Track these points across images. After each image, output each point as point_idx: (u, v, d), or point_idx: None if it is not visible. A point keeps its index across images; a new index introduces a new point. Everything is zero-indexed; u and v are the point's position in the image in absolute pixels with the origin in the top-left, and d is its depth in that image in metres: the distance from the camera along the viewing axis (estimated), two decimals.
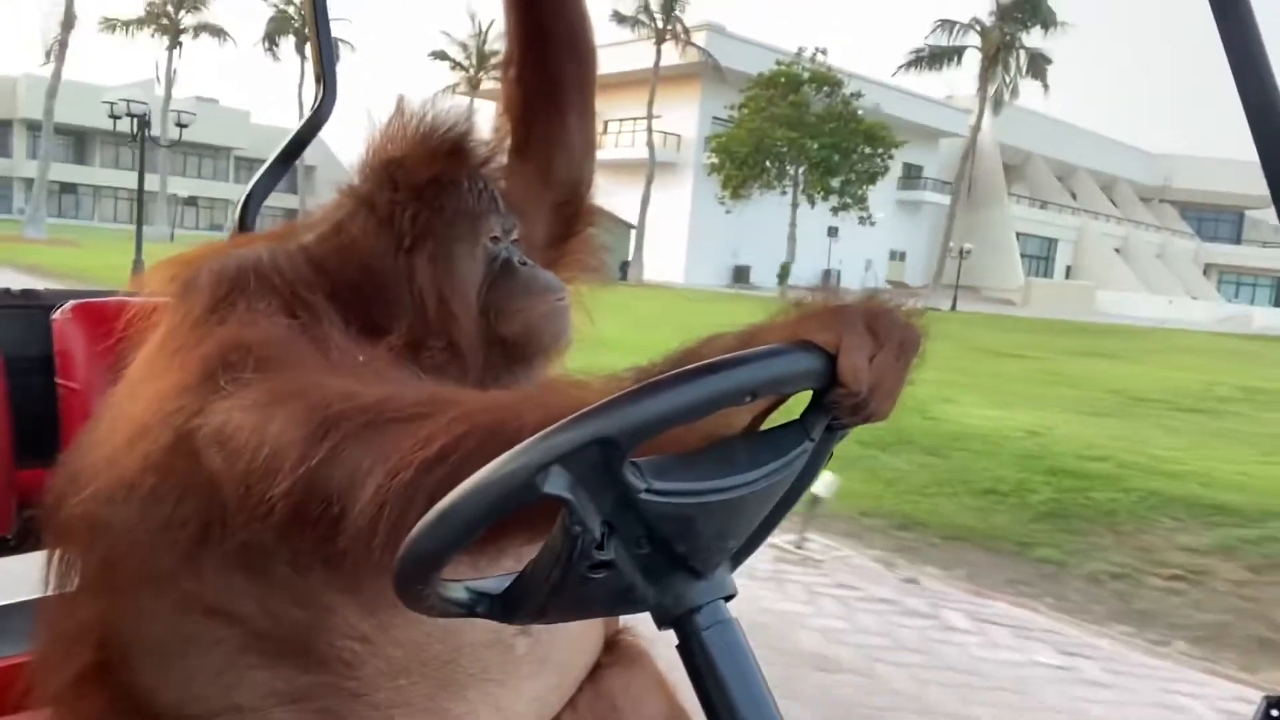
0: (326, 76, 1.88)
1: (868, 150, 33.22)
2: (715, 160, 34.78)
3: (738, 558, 0.70)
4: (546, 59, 1.27)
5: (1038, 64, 38.26)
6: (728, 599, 0.68)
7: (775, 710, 0.66)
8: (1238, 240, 64.31)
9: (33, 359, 1.51)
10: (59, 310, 1.48)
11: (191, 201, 54.06)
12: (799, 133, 32.24)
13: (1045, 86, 39.57)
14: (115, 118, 21.56)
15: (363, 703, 0.94)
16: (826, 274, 46.73)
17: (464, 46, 41.64)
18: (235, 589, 0.92)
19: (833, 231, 43.74)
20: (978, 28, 37.53)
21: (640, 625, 1.09)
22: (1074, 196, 58.47)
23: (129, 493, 0.92)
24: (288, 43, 40.03)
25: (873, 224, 36.44)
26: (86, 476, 0.97)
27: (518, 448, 0.60)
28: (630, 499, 0.61)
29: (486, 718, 0.99)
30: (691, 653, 0.66)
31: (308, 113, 1.89)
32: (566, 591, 0.63)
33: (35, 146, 50.07)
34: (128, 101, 21.30)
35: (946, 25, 37.75)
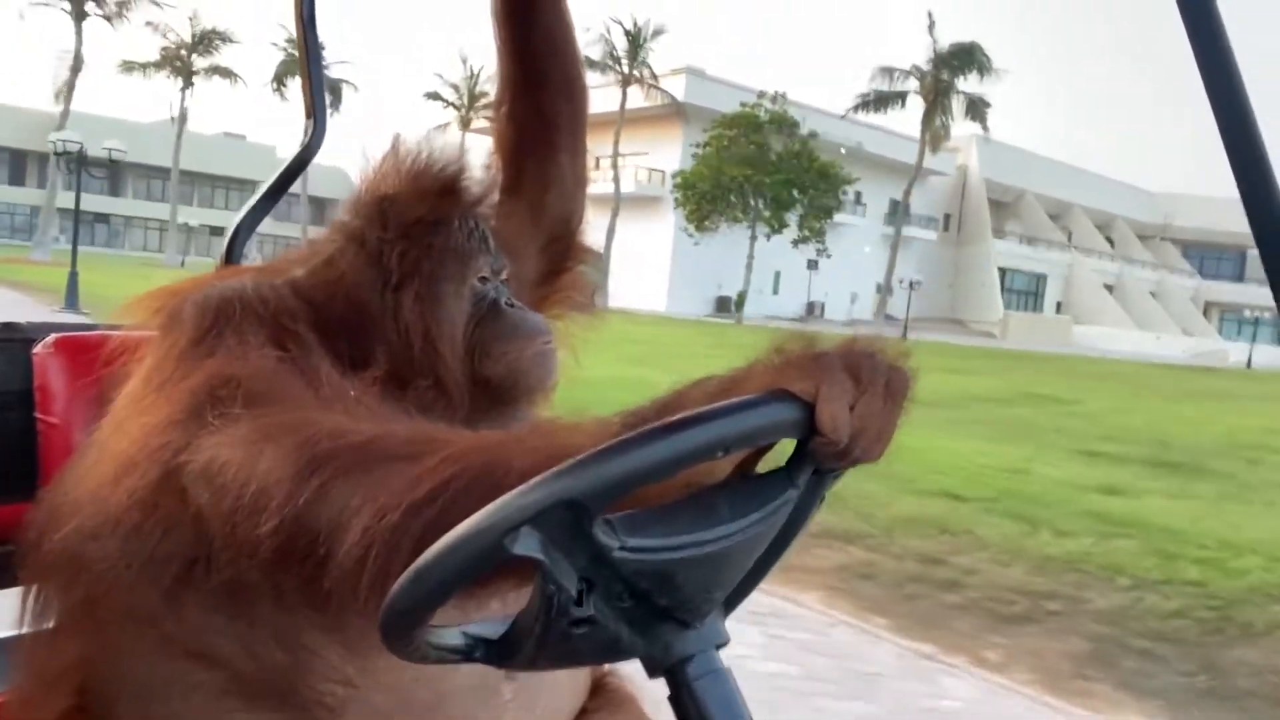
0: (316, 111, 1.89)
1: (822, 187, 35.07)
2: (679, 195, 36.87)
3: (729, 605, 0.69)
4: (539, 98, 1.28)
5: (976, 107, 39.92)
6: (719, 647, 0.66)
7: None
8: (1240, 279, 64.72)
9: (12, 393, 1.49)
10: (40, 344, 1.46)
11: (218, 231, 57.43)
12: (755, 170, 34.27)
13: (985, 128, 41.16)
14: (58, 154, 24.73)
15: None
16: (810, 306, 48.64)
17: (455, 88, 44.42)
18: (217, 629, 0.91)
19: (812, 264, 45.53)
20: (916, 74, 39.38)
21: (627, 667, 1.07)
22: (1069, 234, 59.65)
23: (112, 529, 0.91)
24: (295, 83, 43.09)
25: (828, 257, 38.20)
26: (68, 512, 0.95)
27: (488, 509, 0.59)
28: (604, 557, 0.60)
29: None
30: (683, 704, 0.65)
31: (298, 147, 1.91)
32: (551, 644, 0.62)
33: (71, 179, 53.87)
34: (64, 140, 24.61)
35: (887, 71, 39.66)
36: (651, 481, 0.59)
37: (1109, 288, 57.91)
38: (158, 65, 42.40)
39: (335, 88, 43.48)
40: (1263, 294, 60.77)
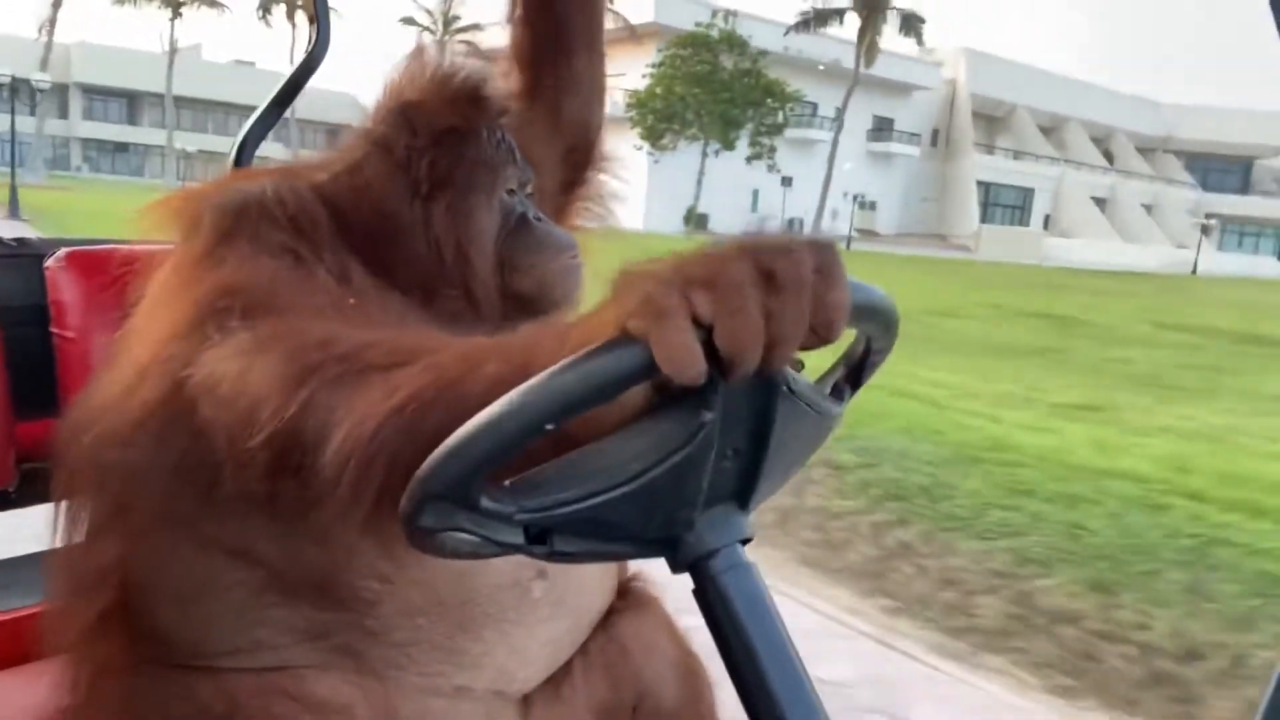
0: (320, 19, 1.83)
1: (770, 104, 36.46)
2: (634, 115, 38.51)
3: (748, 503, 0.66)
4: (553, 1, 1.25)
5: (911, 22, 40.61)
6: (744, 542, 0.65)
7: (796, 656, 0.64)
8: (1244, 191, 64.33)
9: (26, 309, 1.46)
10: (52, 258, 1.44)
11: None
12: (703, 89, 35.75)
13: (920, 42, 41.83)
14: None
15: (381, 641, 0.95)
16: (789, 222, 49.97)
17: (429, 13, 46.08)
18: (255, 529, 0.92)
19: (786, 181, 46.92)
20: None
21: (652, 571, 1.11)
22: (1063, 147, 59.78)
23: (136, 436, 0.92)
24: (280, 11, 45.23)
25: (778, 172, 39.62)
26: (94, 419, 0.96)
27: (408, 487, 0.60)
28: (773, 389, 0.59)
29: (502, 658, 1.01)
30: (708, 598, 0.64)
31: (301, 56, 1.89)
32: (610, 520, 0.61)
33: (90, 109, 56.82)
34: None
35: None
36: (500, 463, 0.58)
37: (1101, 201, 58.22)
38: None
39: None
40: (1265, 205, 60.83)
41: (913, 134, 54.71)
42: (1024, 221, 57.15)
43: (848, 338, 0.68)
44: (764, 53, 37.40)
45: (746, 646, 0.63)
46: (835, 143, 41.51)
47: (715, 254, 0.57)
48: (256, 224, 0.95)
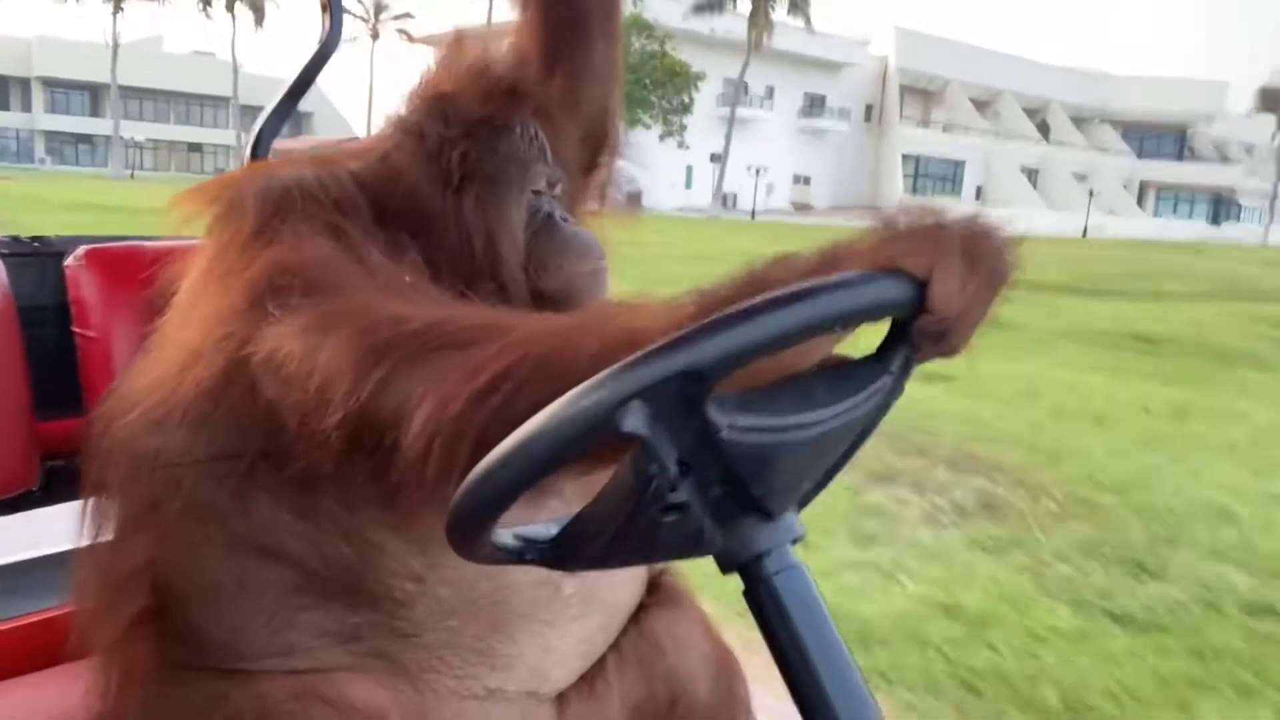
0: (332, 8, 1.81)
1: (674, 85, 38.66)
2: None
3: (806, 499, 0.68)
4: None
5: (798, 3, 42.89)
6: (795, 542, 0.65)
7: (849, 656, 0.64)
8: (1179, 158, 66.33)
9: (47, 308, 1.45)
10: (71, 257, 1.43)
11: (196, 148, 62.20)
12: None
13: (808, 23, 44.06)
14: None
15: (413, 643, 0.95)
16: (724, 199, 52.23)
17: (360, 2, 48.17)
18: (285, 527, 0.92)
19: (715, 158, 49.00)
20: None
21: (682, 564, 1.09)
22: (998, 119, 61.76)
23: (179, 420, 0.92)
24: (219, 2, 47.45)
25: (687, 148, 41.81)
26: (130, 408, 0.96)
27: (593, 381, 0.56)
28: (711, 437, 0.57)
29: (534, 659, 1.00)
30: (759, 599, 0.63)
31: (315, 45, 1.85)
32: (632, 536, 0.61)
33: (53, 102, 58.81)
34: None
35: None
36: (772, 353, 0.56)
37: (1034, 171, 60.27)
38: None
39: (257, 3, 47.49)
40: (1199, 171, 62.82)
41: (843, 110, 56.67)
42: (955, 193, 59.18)
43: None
44: (668, 36, 39.51)
45: (798, 646, 0.63)
46: (731, 117, 43.78)
47: (951, 219, 0.63)
48: (303, 207, 0.95)
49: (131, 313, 1.08)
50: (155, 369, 0.96)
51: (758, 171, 43.15)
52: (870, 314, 0.59)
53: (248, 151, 1.84)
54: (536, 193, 1.07)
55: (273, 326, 0.84)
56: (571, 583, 1.02)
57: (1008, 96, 61.86)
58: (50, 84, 57.95)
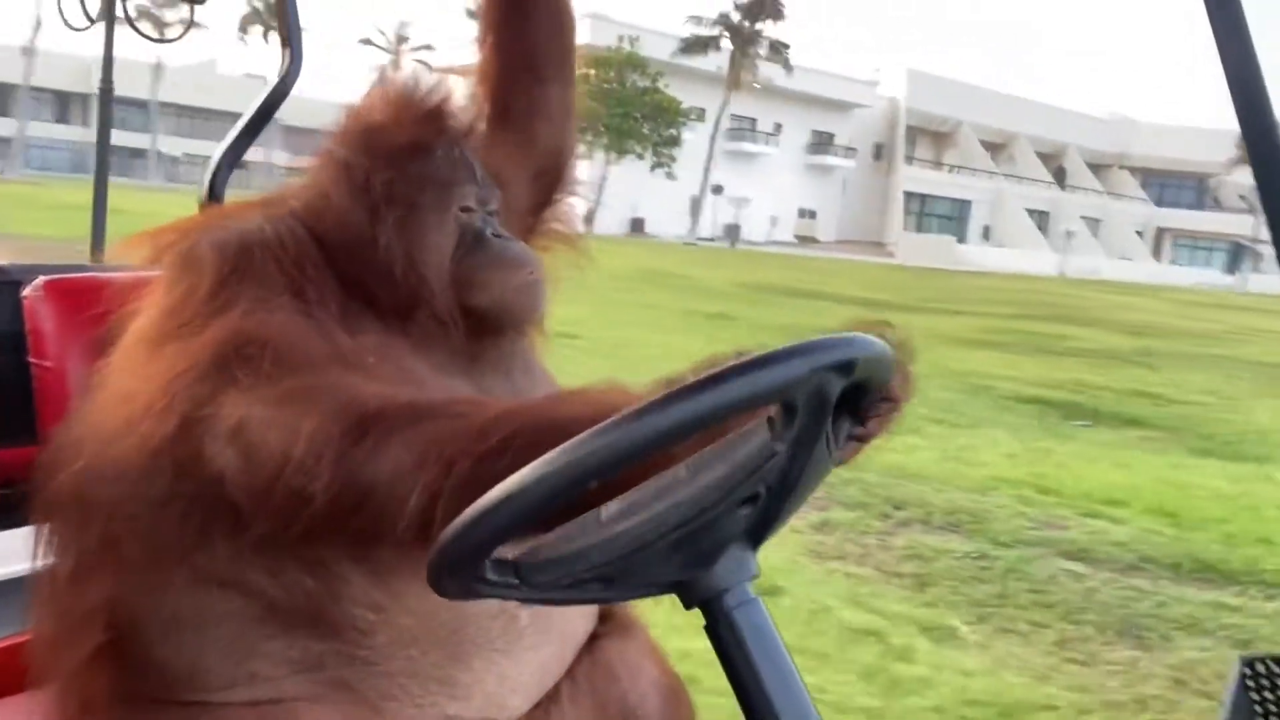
0: (292, 41, 1.83)
1: (661, 120, 40.97)
2: None
3: (760, 538, 0.70)
4: (525, 28, 1.26)
5: (777, 49, 44.90)
6: (751, 580, 0.69)
7: (803, 689, 0.67)
8: (1198, 207, 66.52)
9: (4, 336, 1.44)
10: (29, 287, 1.41)
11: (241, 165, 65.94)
12: (602, 104, 40.28)
13: (786, 67, 45.98)
14: None
15: (374, 671, 0.96)
16: (728, 229, 54.13)
17: (383, 33, 51.49)
18: (246, 561, 0.92)
19: (716, 190, 50.99)
20: (722, 21, 44.76)
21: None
22: (1012, 162, 62.83)
23: (126, 471, 0.91)
24: (257, 31, 51.15)
25: (674, 178, 43.94)
26: (77, 452, 0.96)
27: (574, 442, 0.60)
28: (816, 437, 0.64)
29: (491, 686, 1.01)
30: (719, 634, 0.67)
31: (275, 79, 1.84)
32: (632, 564, 0.65)
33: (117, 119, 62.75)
34: None
35: (696, 19, 45.15)
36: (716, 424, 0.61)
37: (1043, 214, 61.15)
38: (137, 20, 50.80)
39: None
40: (1215, 220, 63.01)
41: (849, 148, 58.29)
42: (961, 232, 60.31)
43: None
44: (659, 73, 41.83)
45: (756, 677, 0.66)
46: (712, 147, 45.86)
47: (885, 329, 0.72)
48: (262, 266, 0.96)
49: (88, 344, 1.09)
50: (104, 415, 0.95)
51: (740, 202, 44.99)
52: (857, 372, 0.63)
53: (206, 183, 1.80)
54: (466, 210, 1.08)
55: (239, 395, 0.84)
56: (528, 614, 1.04)
57: (1022, 140, 62.90)
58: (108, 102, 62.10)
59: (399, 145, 1.07)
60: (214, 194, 1.81)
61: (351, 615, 0.96)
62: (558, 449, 0.60)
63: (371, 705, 0.98)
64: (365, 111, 1.11)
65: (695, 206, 46.58)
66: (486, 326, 1.09)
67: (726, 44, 45.43)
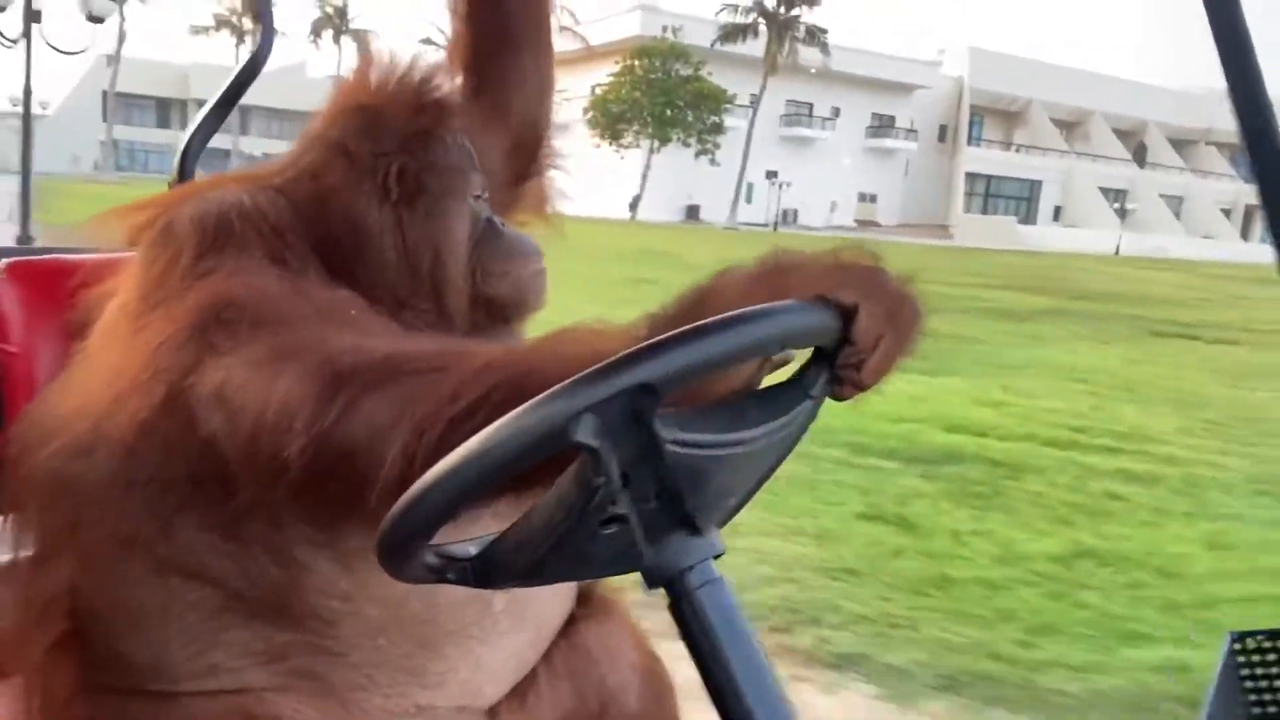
0: (264, 19, 1.80)
1: (703, 107, 41.90)
2: (593, 115, 44.56)
3: (727, 516, 0.70)
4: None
5: (814, 34, 44.97)
6: (717, 557, 0.67)
7: (769, 667, 0.67)
8: None
9: None
10: None
11: None
12: (645, 94, 41.44)
13: (825, 52, 45.94)
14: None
15: (340, 662, 0.94)
16: (784, 214, 54.62)
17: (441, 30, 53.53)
18: (210, 548, 0.91)
19: (770, 175, 51.60)
20: (757, 9, 45.13)
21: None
22: (1088, 140, 61.30)
23: (106, 448, 0.90)
24: (329, 35, 54.11)
25: (717, 164, 44.73)
26: (53, 431, 0.94)
27: (550, 392, 0.58)
28: (655, 450, 0.61)
29: (466, 674, 1.00)
30: (684, 613, 0.66)
31: (247, 55, 1.80)
32: (568, 550, 0.63)
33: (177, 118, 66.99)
34: None
35: (731, 7, 45.47)
36: (719, 370, 0.61)
37: (1119, 192, 59.53)
38: (216, 28, 54.34)
39: (362, 34, 53.73)
40: None
41: (910, 130, 57.88)
42: (1030, 212, 59.22)
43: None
44: (702, 61, 42.71)
45: (721, 658, 0.65)
46: (750, 132, 46.39)
47: (876, 265, 0.69)
48: (242, 234, 0.94)
49: (55, 329, 1.05)
50: (81, 392, 0.93)
51: (781, 186, 45.50)
52: (801, 340, 0.65)
53: (176, 162, 1.77)
54: (477, 197, 1.08)
55: (220, 359, 0.83)
56: (502, 599, 1.02)
57: (1097, 117, 61.27)
58: (202, 105, 66.23)
59: (412, 132, 1.04)
60: (184, 175, 1.79)
61: (317, 605, 0.94)
62: (497, 423, 0.59)
63: (338, 696, 0.96)
64: (355, 93, 1.07)
65: (737, 191, 47.23)
66: (494, 315, 1.08)
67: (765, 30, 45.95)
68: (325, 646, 0.95)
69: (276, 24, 1.90)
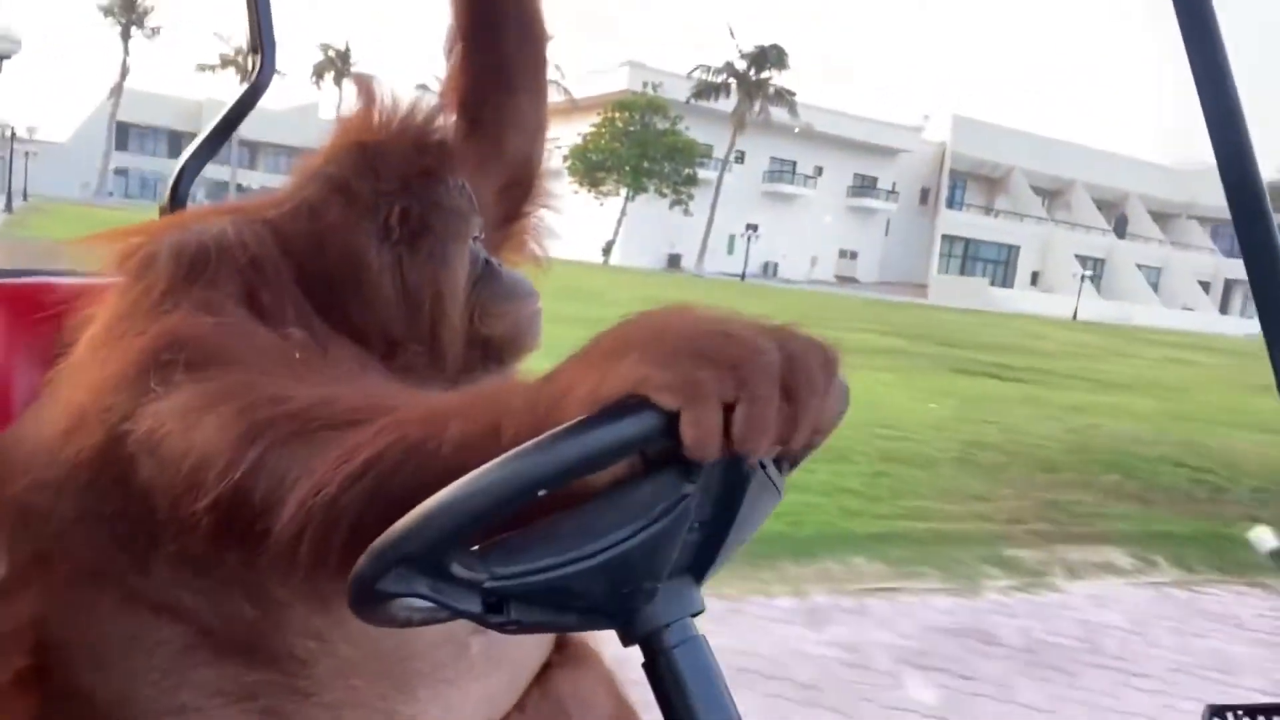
0: (264, 47, 1.75)
1: (677, 160, 43.87)
2: (571, 164, 46.52)
3: (700, 576, 0.66)
4: (497, 41, 1.25)
5: (782, 96, 47.22)
6: (695, 615, 0.65)
7: None
8: None
9: None
10: None
11: None
12: (621, 144, 43.39)
13: (793, 113, 48.05)
14: None
15: (312, 703, 0.93)
16: (765, 266, 56.17)
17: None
18: (183, 584, 0.89)
19: (751, 228, 53.30)
20: (728, 71, 47.35)
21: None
22: (1069, 209, 62.81)
23: (65, 483, 0.89)
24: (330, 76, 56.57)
25: (690, 214, 46.53)
26: (20, 462, 0.93)
27: (369, 551, 0.58)
28: (477, 589, 0.60)
29: (436, 717, 0.98)
30: (658, 672, 0.64)
31: (245, 84, 1.76)
32: (531, 606, 0.62)
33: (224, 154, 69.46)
34: None
35: (704, 68, 47.83)
36: (498, 517, 0.57)
37: (1099, 261, 60.89)
38: (222, 66, 56.98)
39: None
40: None
41: (891, 191, 59.64)
42: (1007, 276, 60.57)
43: None
44: (679, 118, 44.70)
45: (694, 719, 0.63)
46: (718, 186, 48.25)
47: (744, 336, 0.56)
48: (215, 269, 0.93)
49: (34, 353, 1.03)
50: (46, 424, 0.93)
51: (751, 238, 47.28)
52: (606, 460, 0.57)
53: (168, 189, 1.72)
54: (476, 238, 1.08)
55: (153, 404, 0.81)
56: (479, 642, 1.00)
57: (1078, 187, 62.81)
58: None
59: (415, 173, 1.04)
60: (175, 202, 1.74)
61: (290, 644, 0.92)
62: (458, 484, 0.57)
63: None
64: (356, 130, 1.06)
65: (704, 241, 48.93)
66: (489, 356, 1.08)
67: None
68: (297, 686, 0.93)
69: (281, 65, 1.86)
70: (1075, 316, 45.28)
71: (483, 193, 1.14)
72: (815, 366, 0.57)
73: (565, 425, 0.56)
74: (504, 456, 0.56)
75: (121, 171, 61.45)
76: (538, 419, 0.59)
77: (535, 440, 0.56)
